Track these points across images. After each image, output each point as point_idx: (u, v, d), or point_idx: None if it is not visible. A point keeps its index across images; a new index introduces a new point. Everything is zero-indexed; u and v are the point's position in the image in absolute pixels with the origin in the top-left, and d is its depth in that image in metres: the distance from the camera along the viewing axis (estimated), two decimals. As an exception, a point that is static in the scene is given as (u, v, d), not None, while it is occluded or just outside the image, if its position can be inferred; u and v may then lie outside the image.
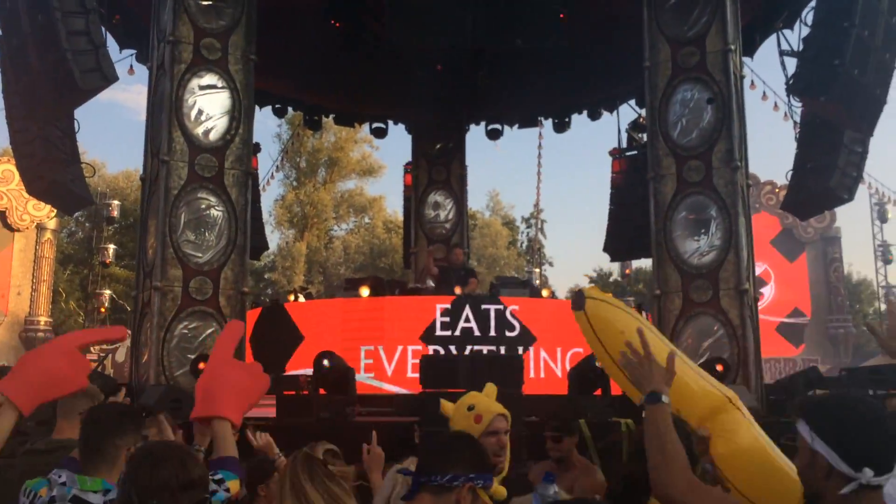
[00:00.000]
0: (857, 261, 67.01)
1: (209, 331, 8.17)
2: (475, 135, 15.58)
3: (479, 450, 2.51)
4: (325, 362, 6.91)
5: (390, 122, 15.02)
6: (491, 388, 3.22)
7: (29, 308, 22.78)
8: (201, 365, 6.45)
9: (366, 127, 16.17)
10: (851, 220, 62.44)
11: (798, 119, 10.35)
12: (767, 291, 27.16)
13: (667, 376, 2.49)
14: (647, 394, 2.42)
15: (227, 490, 2.40)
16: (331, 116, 15.02)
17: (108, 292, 25.67)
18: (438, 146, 14.55)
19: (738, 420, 3.09)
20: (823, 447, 1.88)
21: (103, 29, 8.44)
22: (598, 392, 7.70)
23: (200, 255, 8.20)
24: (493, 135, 15.00)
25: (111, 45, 9.89)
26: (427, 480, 2.34)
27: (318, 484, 2.64)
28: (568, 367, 8.93)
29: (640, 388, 2.48)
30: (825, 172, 9.59)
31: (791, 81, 8.42)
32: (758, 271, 9.93)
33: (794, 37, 10.05)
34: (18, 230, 22.62)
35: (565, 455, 4.39)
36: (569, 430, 4.43)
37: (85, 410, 2.85)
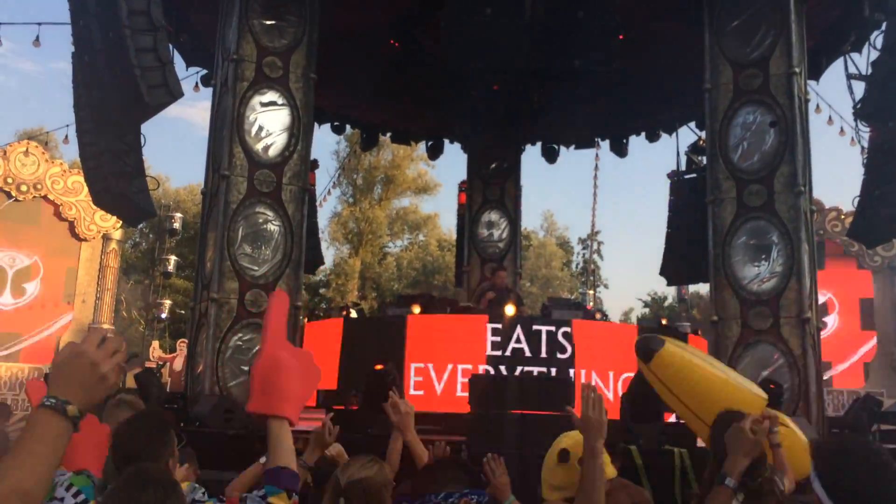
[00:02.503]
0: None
1: (262, 343, 8.28)
2: (531, 154, 15.55)
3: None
4: (380, 367, 6.90)
5: (446, 141, 15.08)
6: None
7: (93, 316, 23.47)
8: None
9: (421, 145, 16.29)
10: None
11: (866, 144, 10.04)
12: (831, 321, 26.28)
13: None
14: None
15: None
16: (388, 134, 15.16)
17: (168, 302, 26.29)
18: (493, 165, 14.52)
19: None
20: (819, 489, 1.87)
21: (171, 46, 8.73)
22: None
23: (256, 268, 8.35)
24: (550, 154, 14.92)
25: (178, 62, 10.21)
26: (424, 501, 2.41)
27: None
28: (620, 391, 8.77)
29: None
30: (893, 200, 9.26)
31: (859, 106, 8.18)
32: (821, 300, 9.62)
33: (863, 61, 9.79)
34: (85, 240, 23.38)
35: None
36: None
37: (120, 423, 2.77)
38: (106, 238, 23.72)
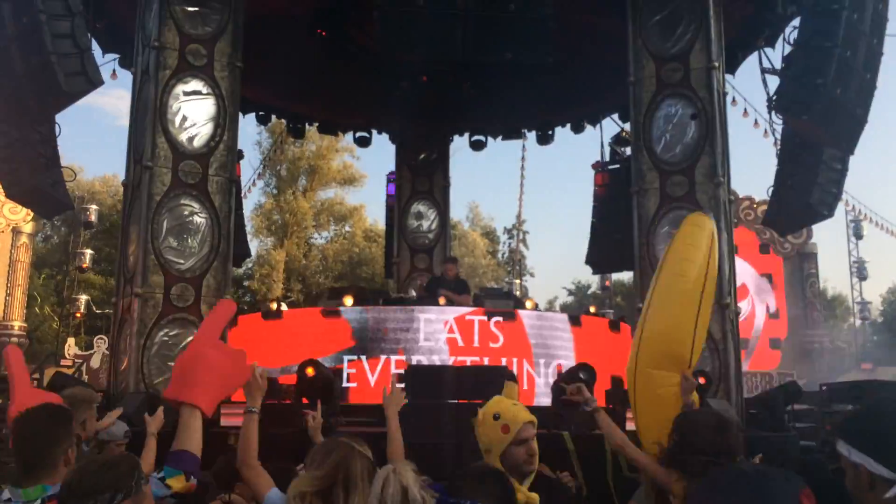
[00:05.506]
0: (833, 277, 67.95)
1: (190, 338, 8.09)
2: (457, 145, 15.62)
3: (508, 488, 2.54)
4: (309, 371, 6.84)
5: (374, 132, 14.99)
6: (512, 388, 3.25)
7: (3, 313, 22.41)
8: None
9: (347, 136, 16.13)
10: (828, 237, 63.24)
11: (779, 136, 10.48)
12: (745, 306, 27.38)
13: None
14: None
15: (168, 487, 2.29)
16: (314, 125, 14.97)
17: (84, 297, 25.32)
18: (422, 156, 14.54)
19: None
20: (860, 457, 1.86)
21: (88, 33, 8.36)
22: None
23: (182, 261, 8.13)
24: (477, 146, 15.01)
25: (95, 49, 9.80)
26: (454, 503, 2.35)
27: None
28: (551, 379, 8.94)
29: None
30: (805, 189, 9.70)
31: (774, 99, 8.52)
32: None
33: (776, 55, 10.20)
34: (-7, 233, 22.29)
35: None
36: None
37: (18, 419, 2.61)
38: (16, 231, 22.66)
